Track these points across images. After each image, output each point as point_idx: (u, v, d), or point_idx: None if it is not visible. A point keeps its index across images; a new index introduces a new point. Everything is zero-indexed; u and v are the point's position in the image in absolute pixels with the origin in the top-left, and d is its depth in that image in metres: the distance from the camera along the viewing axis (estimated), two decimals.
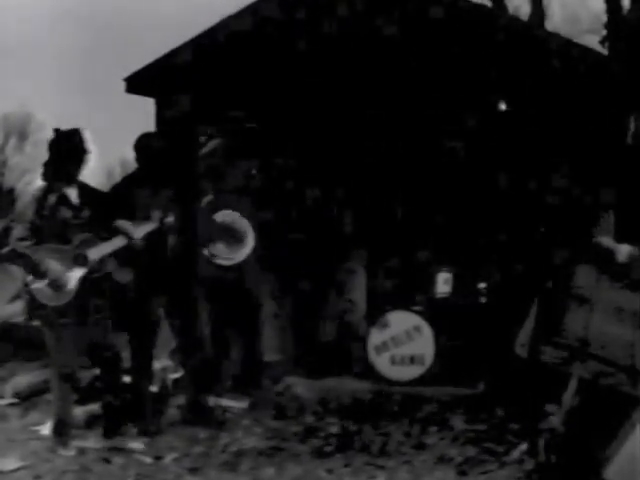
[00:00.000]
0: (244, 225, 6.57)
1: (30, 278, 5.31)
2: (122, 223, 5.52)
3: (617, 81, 8.03)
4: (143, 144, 6.12)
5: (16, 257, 5.36)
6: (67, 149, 5.47)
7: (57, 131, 5.53)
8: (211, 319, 6.92)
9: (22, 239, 5.32)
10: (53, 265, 5.29)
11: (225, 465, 5.18)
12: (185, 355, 6.11)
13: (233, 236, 6.59)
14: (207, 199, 6.27)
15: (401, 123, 8.32)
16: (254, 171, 7.08)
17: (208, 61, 8.77)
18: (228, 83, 8.58)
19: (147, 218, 5.69)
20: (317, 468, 5.12)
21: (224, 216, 6.57)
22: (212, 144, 6.81)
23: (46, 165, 5.54)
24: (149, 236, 5.66)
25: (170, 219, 5.72)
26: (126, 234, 5.49)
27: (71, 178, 5.49)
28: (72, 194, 5.49)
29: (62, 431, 5.42)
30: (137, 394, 5.93)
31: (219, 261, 6.55)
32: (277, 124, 8.38)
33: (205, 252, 6.53)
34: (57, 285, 5.29)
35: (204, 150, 6.82)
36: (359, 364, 7.62)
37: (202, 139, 6.91)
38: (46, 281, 5.28)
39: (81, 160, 5.50)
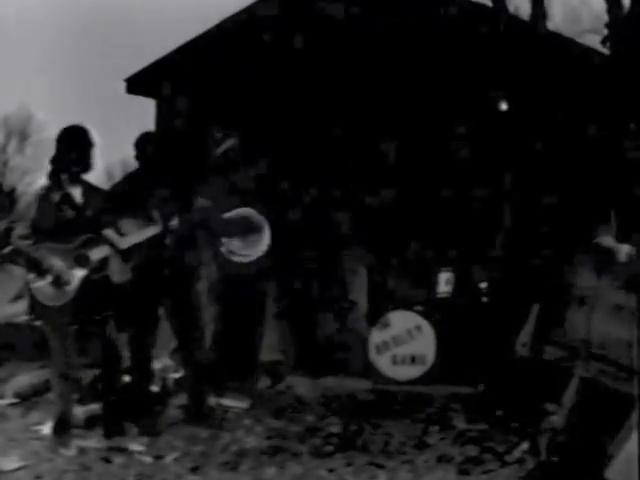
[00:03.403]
0: (261, 222, 6.56)
1: (31, 277, 5.31)
2: (108, 233, 5.50)
3: (618, 81, 8.02)
4: (144, 142, 6.13)
5: (18, 256, 5.36)
6: (73, 145, 5.46)
7: (64, 128, 5.53)
8: (218, 318, 6.92)
9: (24, 238, 5.31)
10: (55, 264, 5.29)
11: (226, 464, 5.18)
12: (186, 354, 6.10)
13: (250, 233, 6.58)
14: (207, 199, 6.25)
15: (403, 123, 8.32)
16: (254, 173, 7.08)
17: (208, 62, 8.78)
18: (228, 83, 8.58)
19: (149, 218, 5.69)
20: (318, 468, 5.12)
21: (239, 213, 6.57)
22: (228, 142, 6.81)
23: (52, 162, 5.53)
24: (151, 239, 5.67)
25: (174, 222, 5.72)
26: (112, 245, 5.48)
27: (76, 175, 5.49)
28: (76, 193, 5.48)
29: (63, 431, 5.41)
30: (137, 394, 5.93)
31: (236, 258, 6.55)
32: (278, 124, 8.39)
33: (222, 249, 6.53)
34: (58, 284, 5.28)
35: (220, 148, 6.81)
36: (360, 364, 7.61)
37: (218, 136, 6.90)
38: (47, 280, 5.28)
39: (87, 156, 5.51)
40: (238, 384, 6.92)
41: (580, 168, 7.64)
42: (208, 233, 6.49)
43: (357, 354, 7.67)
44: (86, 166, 5.54)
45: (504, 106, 8.21)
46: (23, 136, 35.69)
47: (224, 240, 6.53)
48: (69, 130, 5.55)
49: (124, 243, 5.52)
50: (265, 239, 6.58)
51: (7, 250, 5.44)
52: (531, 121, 7.96)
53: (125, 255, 5.56)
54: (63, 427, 5.42)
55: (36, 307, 5.41)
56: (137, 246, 5.62)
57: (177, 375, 6.64)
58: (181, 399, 6.29)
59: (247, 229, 6.59)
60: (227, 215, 6.58)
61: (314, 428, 6.00)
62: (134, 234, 5.63)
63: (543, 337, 4.87)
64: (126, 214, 5.70)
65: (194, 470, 5.07)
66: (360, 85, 8.26)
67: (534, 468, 4.85)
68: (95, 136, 5.58)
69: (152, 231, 5.68)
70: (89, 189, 5.57)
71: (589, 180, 7.30)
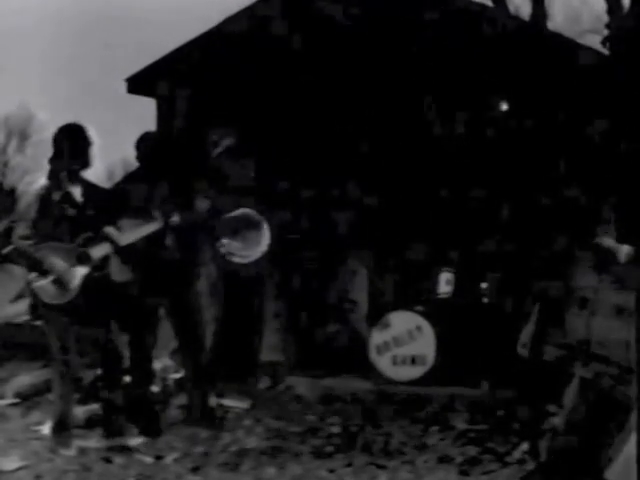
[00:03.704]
0: (260, 222, 6.55)
1: (33, 276, 5.30)
2: (109, 230, 5.49)
3: (618, 81, 8.02)
4: (145, 142, 6.13)
5: (18, 256, 5.35)
6: (71, 143, 5.46)
7: (60, 128, 5.53)
8: (218, 318, 6.92)
9: (25, 237, 5.31)
10: (56, 263, 5.28)
11: (226, 465, 5.17)
12: (186, 355, 6.10)
13: (249, 233, 6.56)
14: (207, 199, 6.26)
15: (403, 123, 8.31)
16: (252, 173, 7.08)
17: (209, 61, 8.78)
18: (229, 83, 8.58)
19: (150, 217, 5.70)
20: (318, 468, 5.12)
21: (239, 213, 6.55)
22: (225, 143, 6.81)
23: (51, 162, 5.53)
24: (150, 237, 5.67)
25: (175, 218, 5.72)
26: (112, 242, 5.47)
27: (75, 174, 5.48)
28: (76, 192, 5.48)
29: (63, 431, 5.41)
30: (138, 394, 5.94)
31: (235, 259, 6.54)
32: (278, 124, 8.38)
33: (221, 250, 6.52)
34: (60, 283, 5.28)
35: (218, 149, 6.81)
36: (360, 364, 7.61)
37: (214, 137, 6.89)
38: (49, 279, 5.27)
39: (85, 153, 5.50)
40: (238, 384, 6.93)
41: (580, 168, 7.63)
42: (207, 233, 6.49)
43: (357, 354, 7.66)
44: (85, 163, 5.53)
45: (504, 106, 8.21)
46: (23, 136, 35.74)
47: (223, 240, 6.52)
48: (65, 129, 5.54)
49: (125, 240, 5.52)
50: (264, 239, 6.57)
51: (8, 250, 5.44)
52: (531, 121, 7.95)
53: (124, 256, 5.56)
54: (63, 427, 5.42)
55: (38, 307, 5.41)
56: (137, 247, 5.62)
57: (177, 375, 6.64)
58: (181, 399, 6.30)
59: (246, 229, 6.57)
60: (226, 215, 6.57)
61: (314, 428, 6.00)
62: (135, 231, 5.62)
63: (543, 338, 4.86)
64: (126, 214, 5.70)
65: (194, 470, 5.07)
66: (360, 85, 8.26)
67: (534, 469, 4.84)
68: (96, 136, 5.58)
69: (153, 227, 5.68)
70: (89, 187, 5.57)
71: (589, 180, 7.29)
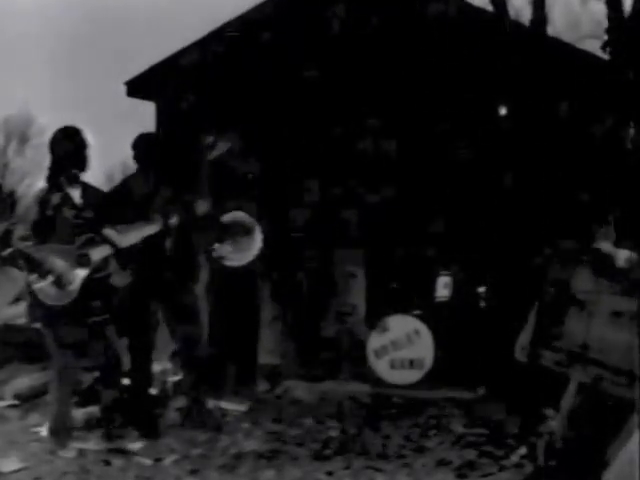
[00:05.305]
0: (252, 225, 6.55)
1: (33, 278, 5.30)
2: (108, 232, 5.50)
3: (618, 86, 8.04)
4: (141, 144, 6.13)
5: (18, 257, 5.36)
6: (67, 146, 5.47)
7: (55, 131, 5.54)
8: (214, 320, 6.92)
9: (24, 239, 5.32)
10: (56, 264, 5.29)
11: (225, 467, 5.18)
12: (185, 357, 6.11)
13: (240, 237, 6.56)
14: (206, 201, 6.26)
15: (403, 127, 8.34)
16: (251, 175, 7.09)
17: (209, 65, 8.80)
18: (229, 86, 8.60)
19: (147, 219, 5.70)
20: (316, 471, 5.12)
21: (231, 217, 6.55)
22: (222, 146, 6.80)
23: (50, 166, 5.55)
24: (149, 239, 5.67)
25: (174, 220, 5.73)
26: (112, 243, 5.48)
27: (74, 176, 5.49)
28: (75, 194, 5.50)
29: (62, 433, 5.42)
30: (137, 396, 5.94)
31: (227, 263, 6.53)
32: (278, 126, 8.41)
33: (214, 253, 6.52)
34: (61, 284, 5.28)
35: (215, 152, 6.80)
36: (358, 368, 7.62)
37: (210, 140, 6.89)
38: (49, 280, 5.28)
39: (82, 156, 5.51)
40: (237, 387, 6.93)
41: (579, 173, 7.65)
42: (204, 235, 6.49)
43: (356, 358, 7.67)
44: (82, 166, 5.54)
45: (503, 110, 8.23)
46: (23, 138, 35.68)
47: (216, 244, 6.51)
48: (61, 132, 5.55)
49: (124, 242, 5.53)
50: (257, 243, 6.57)
51: (8, 252, 5.44)
52: (531, 124, 7.97)
53: (124, 259, 5.57)
54: (62, 429, 5.43)
55: (36, 309, 5.41)
56: (136, 249, 5.63)
57: (176, 378, 6.65)
58: (180, 402, 6.30)
59: (238, 234, 6.57)
60: (219, 219, 6.58)
61: (313, 431, 6.00)
62: (134, 233, 5.63)
63: (541, 342, 4.87)
64: (125, 216, 5.70)
65: (193, 473, 5.08)
66: (362, 86, 8.28)
67: (532, 473, 4.85)
68: (93, 139, 5.60)
69: (152, 229, 5.68)
70: (88, 189, 5.58)
71: (589, 185, 7.31)
